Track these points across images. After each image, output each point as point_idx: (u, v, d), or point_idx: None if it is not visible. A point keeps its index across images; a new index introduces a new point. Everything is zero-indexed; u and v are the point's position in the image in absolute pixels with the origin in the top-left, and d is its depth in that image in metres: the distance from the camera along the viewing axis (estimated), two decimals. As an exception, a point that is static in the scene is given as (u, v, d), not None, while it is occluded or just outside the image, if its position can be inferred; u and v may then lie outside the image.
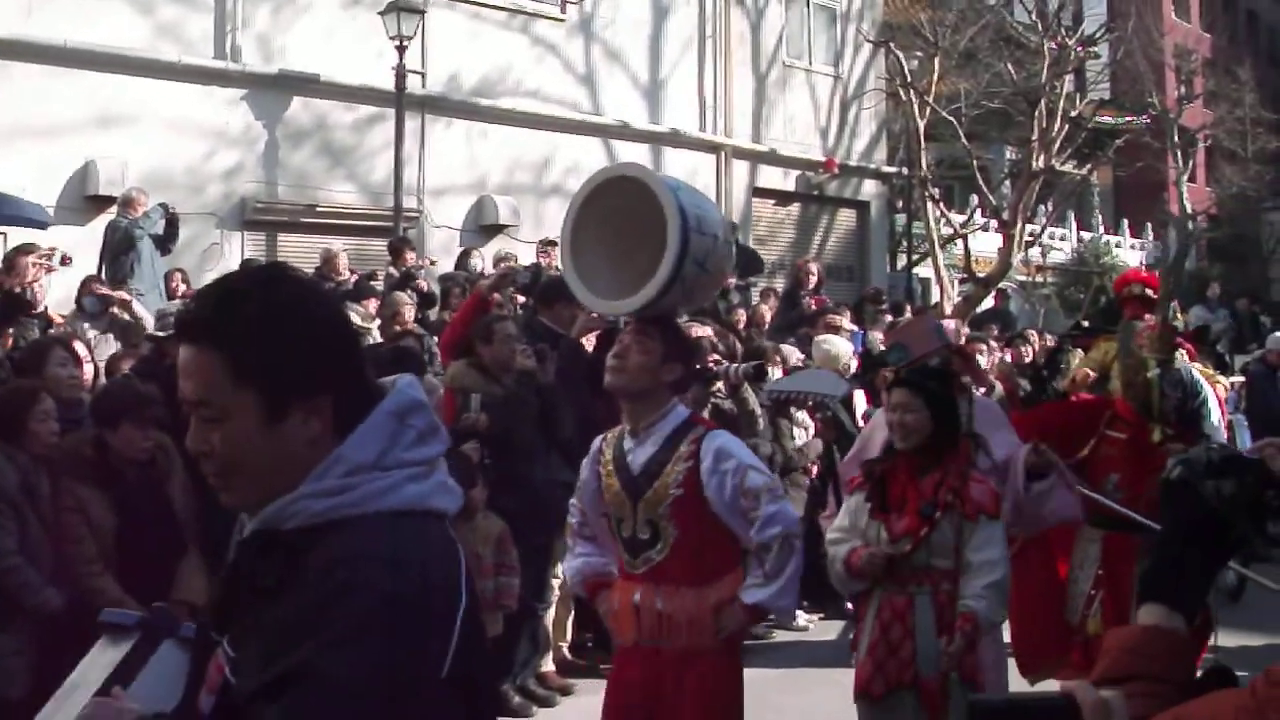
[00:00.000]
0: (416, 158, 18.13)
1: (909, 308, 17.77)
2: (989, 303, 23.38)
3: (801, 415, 10.44)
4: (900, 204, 27.32)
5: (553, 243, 13.77)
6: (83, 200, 15.14)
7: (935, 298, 24.56)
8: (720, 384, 9.12)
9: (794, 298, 16.10)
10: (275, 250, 17.02)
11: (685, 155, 21.44)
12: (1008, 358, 13.02)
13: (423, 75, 18.32)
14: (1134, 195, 40.01)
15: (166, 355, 7.19)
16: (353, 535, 2.12)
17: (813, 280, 16.33)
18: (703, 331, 9.96)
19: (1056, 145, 24.13)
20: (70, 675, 2.44)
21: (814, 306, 15.06)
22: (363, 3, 17.40)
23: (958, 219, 26.81)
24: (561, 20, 20.35)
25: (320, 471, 2.17)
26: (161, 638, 2.43)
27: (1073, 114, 24.84)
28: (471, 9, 19.11)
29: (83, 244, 12.68)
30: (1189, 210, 35.43)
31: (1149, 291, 9.38)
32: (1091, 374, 9.40)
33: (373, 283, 12.92)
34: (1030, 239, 26.01)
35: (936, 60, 24.35)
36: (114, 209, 13.47)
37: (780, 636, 9.98)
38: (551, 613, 8.59)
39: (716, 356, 9.66)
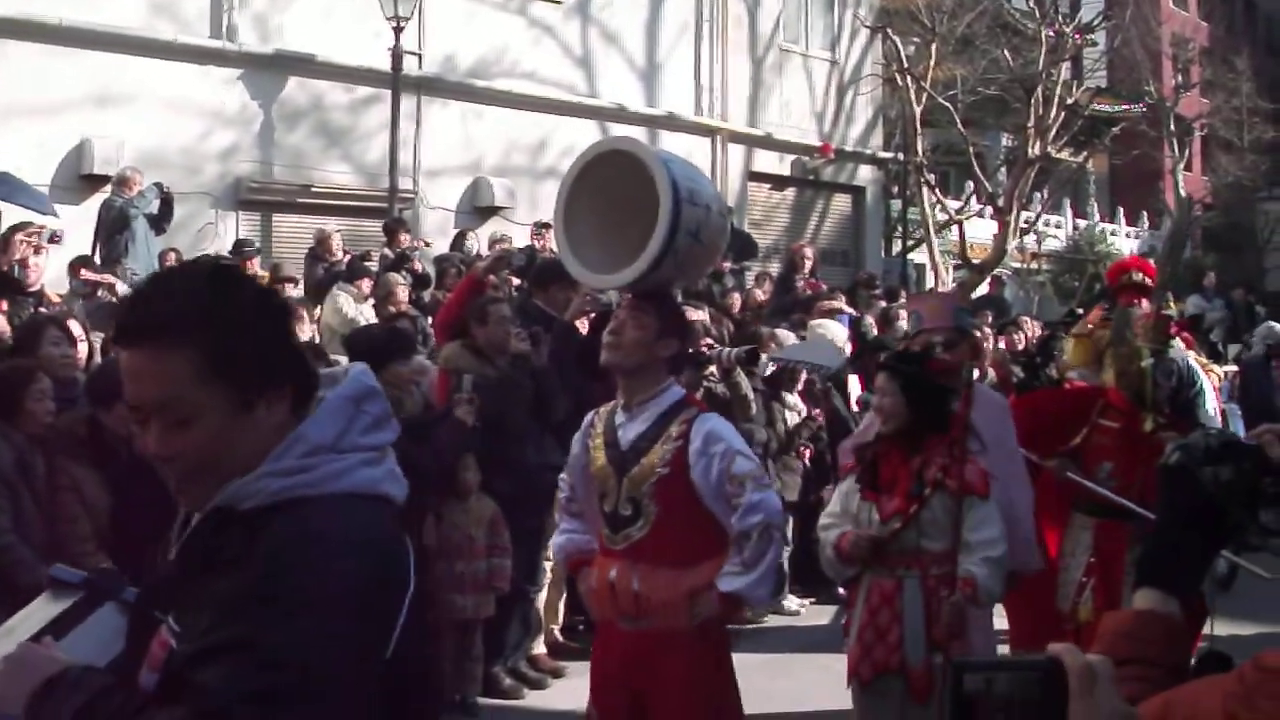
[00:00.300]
0: (412, 139, 18.12)
1: (903, 293, 17.75)
2: (984, 289, 23.40)
3: (794, 399, 10.45)
4: (896, 189, 27.32)
5: (548, 225, 13.74)
6: (78, 179, 15.12)
7: (930, 283, 24.60)
8: (713, 368, 9.12)
9: (788, 282, 16.09)
10: (270, 230, 17.02)
11: (681, 139, 21.40)
12: (1001, 344, 13.03)
13: (419, 56, 18.29)
14: (1130, 183, 40.03)
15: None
16: (309, 514, 2.14)
17: (807, 265, 16.34)
18: (696, 315, 9.97)
19: (1053, 132, 24.18)
20: (7, 620, 2.47)
21: (808, 291, 15.06)
22: (359, -17, 17.36)
23: (953, 205, 26.84)
24: (558, 2, 20.32)
25: (280, 451, 2.19)
26: (104, 599, 2.44)
27: (1069, 101, 24.89)
28: (468, -10, 19.08)
29: (78, 223, 12.67)
30: (1185, 198, 35.45)
31: (1145, 279, 9.37)
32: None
33: (366, 263, 12.91)
34: (1025, 226, 26.07)
35: (933, 46, 24.37)
36: (109, 188, 13.45)
37: (772, 621, 10.00)
38: (543, 595, 8.60)
39: (710, 340, 9.67)
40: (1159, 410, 6.80)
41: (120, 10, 15.56)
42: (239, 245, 13.79)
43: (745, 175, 23.20)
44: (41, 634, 2.35)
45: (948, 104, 24.88)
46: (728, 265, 15.99)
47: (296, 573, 2.06)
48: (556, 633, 8.90)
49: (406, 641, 2.19)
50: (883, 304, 15.06)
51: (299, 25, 17.11)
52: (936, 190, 25.42)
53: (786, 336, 11.11)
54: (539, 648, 8.51)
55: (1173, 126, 35.24)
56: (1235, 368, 16.37)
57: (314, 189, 17.40)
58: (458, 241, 15.84)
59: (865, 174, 25.69)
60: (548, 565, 8.26)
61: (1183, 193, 35.40)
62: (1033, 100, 24.10)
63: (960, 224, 25.75)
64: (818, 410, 10.52)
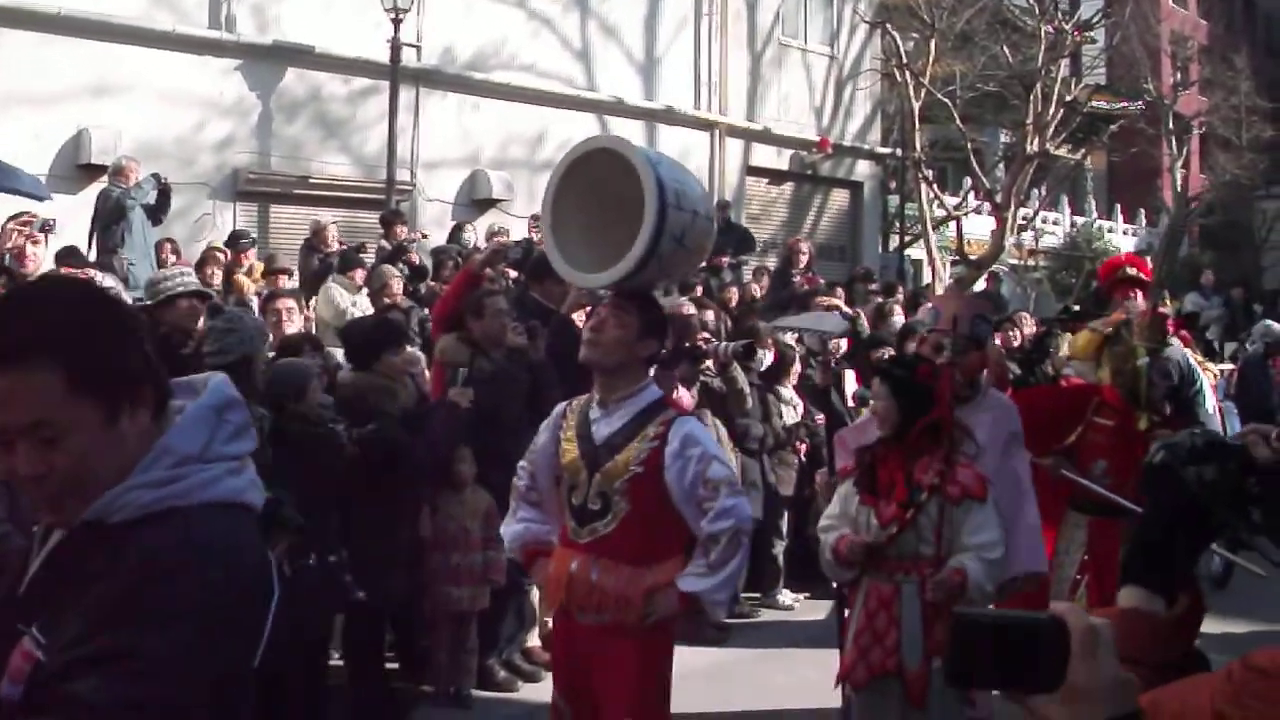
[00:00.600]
0: (410, 131, 18.11)
1: (900, 289, 17.76)
2: (980, 285, 23.40)
3: (789, 393, 10.45)
4: (894, 185, 27.31)
5: (544, 218, 13.72)
6: (75, 169, 15.11)
7: (927, 279, 24.59)
8: (709, 362, 9.12)
9: (785, 277, 16.11)
10: (267, 221, 17.01)
11: (679, 133, 21.42)
12: (997, 341, 13.03)
13: (418, 48, 18.28)
14: (1128, 181, 40.02)
15: (160, 323, 7.18)
16: (178, 524, 2.14)
17: (804, 259, 16.35)
18: (693, 310, 9.98)
19: (1051, 129, 24.15)
20: None
21: (805, 286, 15.07)
22: (359, -26, 17.34)
23: (951, 201, 26.83)
24: (558, -5, 20.32)
25: (148, 462, 2.18)
26: None
27: (1068, 98, 24.85)
28: (468, -18, 19.06)
29: (74, 212, 12.66)
30: (1182, 196, 35.45)
31: (1138, 273, 9.37)
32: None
33: (360, 254, 12.90)
34: (1023, 222, 26.04)
35: (932, 42, 24.33)
36: (106, 178, 13.43)
37: (766, 616, 10.02)
38: (537, 588, 8.60)
39: (706, 335, 9.67)
40: (1154, 409, 6.81)
41: (118, 0, 15.54)
42: (234, 237, 13.77)
43: (743, 169, 23.19)
44: None
45: (946, 100, 24.85)
46: (726, 260, 16.01)
47: (171, 583, 2.06)
48: (550, 626, 8.90)
49: (273, 650, 2.20)
50: (878, 300, 15.06)
51: (297, 16, 17.09)
52: (934, 186, 25.41)
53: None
54: (533, 640, 8.51)
55: (1171, 124, 35.20)
56: (1231, 366, 16.38)
57: (312, 180, 17.38)
58: (455, 234, 15.83)
59: (863, 169, 25.70)
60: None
61: (1180, 191, 35.38)
62: (1031, 97, 24.08)
63: (958, 220, 25.75)
64: (820, 417, 10.52)
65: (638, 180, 4.58)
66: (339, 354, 8.20)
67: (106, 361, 2.14)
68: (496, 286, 9.62)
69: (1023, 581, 5.70)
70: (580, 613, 4.69)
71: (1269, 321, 16.28)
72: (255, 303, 10.71)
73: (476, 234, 15.79)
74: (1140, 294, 8.96)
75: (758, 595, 10.17)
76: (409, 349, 8.40)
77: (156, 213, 13.12)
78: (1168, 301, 14.58)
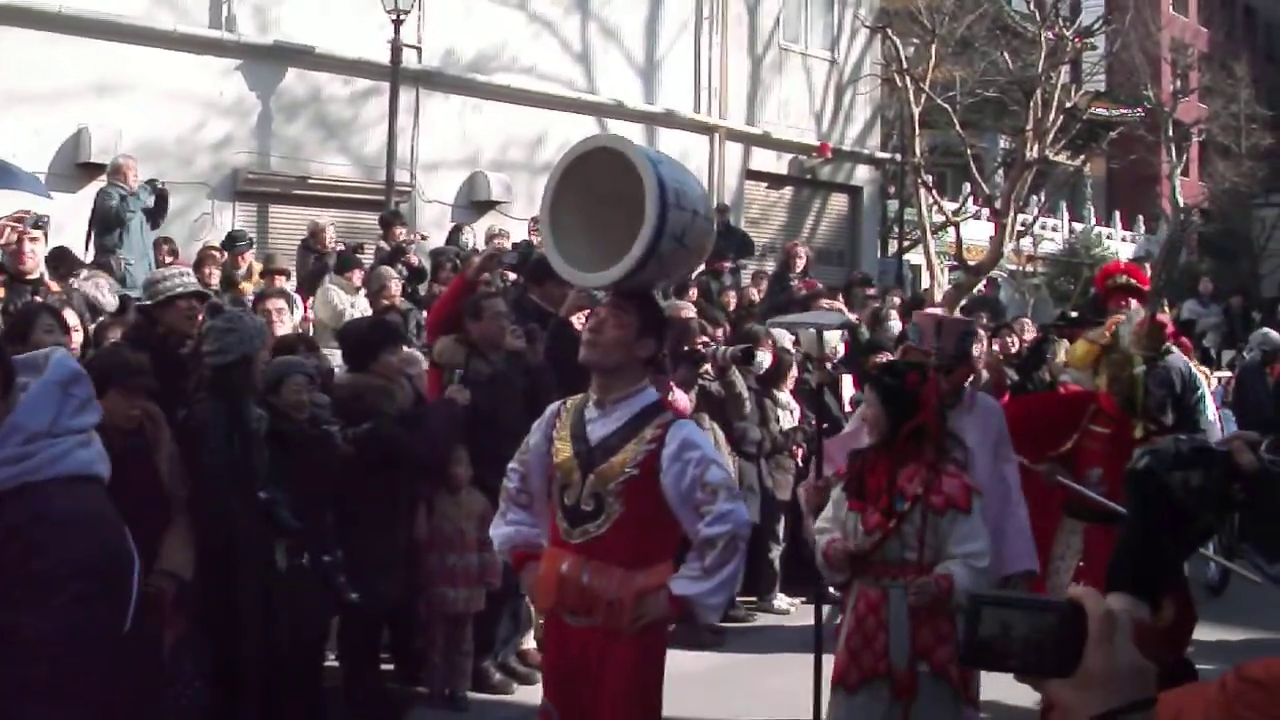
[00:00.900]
0: (410, 132, 18.10)
1: (898, 296, 17.75)
2: (979, 291, 23.40)
3: (787, 398, 10.46)
4: (893, 190, 27.32)
5: (544, 220, 13.72)
6: (75, 168, 15.09)
7: (925, 284, 24.59)
8: (708, 366, 9.12)
9: (783, 281, 16.11)
10: (266, 222, 16.99)
11: (679, 136, 21.41)
12: (995, 347, 13.03)
13: (419, 49, 18.27)
14: (1127, 188, 40.10)
15: (158, 323, 7.17)
16: (34, 500, 2.16)
17: (801, 263, 16.36)
18: (691, 313, 9.98)
19: (1050, 136, 24.12)
20: None
21: (803, 290, 15.07)
22: (359, -25, 17.34)
23: (950, 206, 26.80)
24: (559, -3, 20.32)
25: None
26: None
27: (1068, 105, 24.83)
28: (469, -16, 19.06)
29: (74, 211, 12.65)
30: (1181, 204, 35.48)
31: (1133, 281, 9.37)
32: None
33: (358, 255, 12.89)
34: (1022, 228, 26.03)
35: (933, 47, 24.34)
36: (104, 177, 13.42)
37: (761, 620, 10.03)
38: (526, 591, 8.58)
39: (705, 338, 9.67)
40: (1149, 417, 6.82)
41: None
42: (231, 239, 13.74)
43: (743, 173, 23.19)
44: None
45: (946, 105, 24.86)
46: (726, 264, 16.02)
47: (41, 556, 2.08)
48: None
49: (139, 614, 2.24)
50: (876, 305, 15.06)
51: (298, 17, 17.09)
52: (933, 191, 25.39)
53: (782, 335, 11.12)
54: (529, 643, 8.51)
55: (1171, 132, 35.25)
56: (1229, 373, 16.39)
57: (311, 181, 17.37)
58: (454, 235, 15.84)
59: (862, 174, 25.70)
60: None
61: (1180, 199, 35.40)
62: (1031, 103, 24.05)
63: (957, 225, 25.71)
64: (825, 425, 10.51)
65: (637, 179, 4.55)
66: (336, 356, 8.19)
67: None
68: (494, 289, 9.61)
69: (1016, 581, 5.73)
70: (571, 615, 4.65)
71: (1267, 329, 16.27)
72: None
73: (475, 236, 15.80)
74: (1136, 302, 8.96)
75: (754, 599, 10.19)
76: (406, 349, 8.38)
77: (155, 216, 13.09)
78: (1166, 309, 14.58)
